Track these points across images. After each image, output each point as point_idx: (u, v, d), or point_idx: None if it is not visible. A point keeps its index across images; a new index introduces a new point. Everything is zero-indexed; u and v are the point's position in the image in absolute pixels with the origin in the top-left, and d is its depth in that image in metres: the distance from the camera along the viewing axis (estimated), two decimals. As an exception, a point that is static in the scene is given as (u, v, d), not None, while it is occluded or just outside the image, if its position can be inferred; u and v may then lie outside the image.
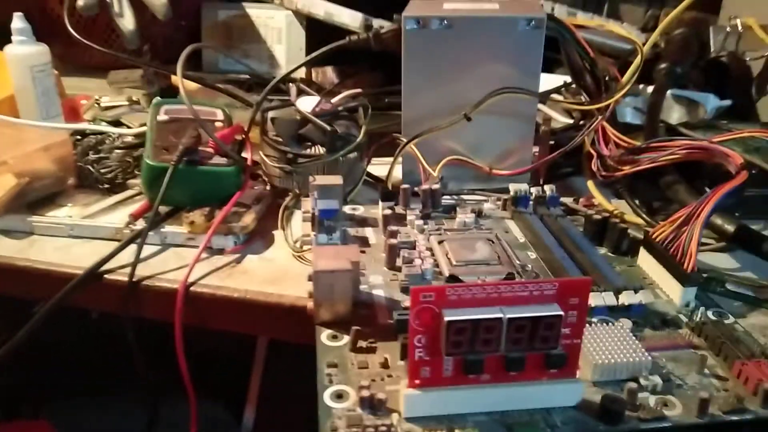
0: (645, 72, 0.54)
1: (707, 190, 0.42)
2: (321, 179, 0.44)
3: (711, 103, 0.62)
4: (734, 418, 0.30)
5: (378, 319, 0.36)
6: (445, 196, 0.50)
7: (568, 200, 0.51)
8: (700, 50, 0.65)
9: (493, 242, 0.44)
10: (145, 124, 0.53)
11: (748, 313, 0.39)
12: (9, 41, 0.58)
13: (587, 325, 0.34)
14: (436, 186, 0.49)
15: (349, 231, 0.46)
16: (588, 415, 0.30)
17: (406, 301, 0.37)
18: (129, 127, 0.60)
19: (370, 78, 0.76)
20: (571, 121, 0.65)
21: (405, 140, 0.51)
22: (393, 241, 0.42)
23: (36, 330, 0.42)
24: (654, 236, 0.41)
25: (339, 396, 0.31)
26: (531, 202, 0.49)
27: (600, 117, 0.52)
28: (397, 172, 0.53)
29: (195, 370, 0.43)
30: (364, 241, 0.45)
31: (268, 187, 0.53)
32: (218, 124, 0.51)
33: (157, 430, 0.49)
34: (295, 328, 0.41)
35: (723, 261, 0.45)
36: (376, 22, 0.71)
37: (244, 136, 0.51)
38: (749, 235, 0.44)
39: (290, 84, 0.56)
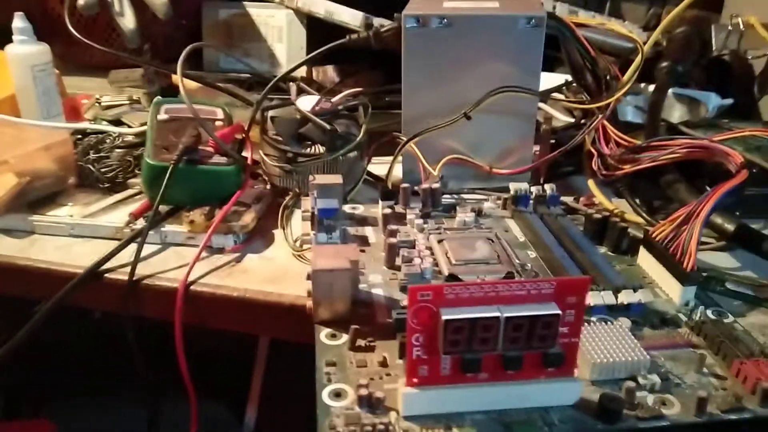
0: (646, 70, 0.54)
1: (708, 189, 0.42)
2: (321, 178, 0.44)
3: (712, 101, 0.62)
4: (733, 417, 0.30)
5: (377, 318, 0.36)
6: (445, 195, 0.50)
7: (568, 199, 0.51)
8: (701, 49, 0.65)
9: (492, 241, 0.44)
10: (145, 124, 0.53)
11: (747, 312, 0.39)
12: (10, 41, 0.58)
13: (586, 324, 0.34)
14: (436, 185, 0.49)
15: (348, 230, 0.46)
16: (586, 413, 0.30)
17: (405, 300, 0.37)
18: (129, 127, 0.60)
19: (370, 77, 0.76)
20: (572, 120, 0.65)
21: (405, 139, 0.51)
22: (392, 240, 0.42)
23: (37, 329, 0.43)
24: (654, 235, 0.41)
25: (337, 394, 0.31)
26: (531, 201, 0.49)
27: (600, 116, 0.52)
28: (397, 171, 0.53)
29: (196, 369, 0.43)
30: (363, 240, 0.45)
31: (268, 187, 0.53)
32: (218, 123, 0.51)
33: (158, 429, 0.49)
34: (295, 327, 0.41)
35: (723, 260, 0.45)
36: (377, 21, 0.71)
37: (244, 135, 0.52)
38: (749, 234, 0.44)
39: (290, 83, 0.56)
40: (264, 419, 0.71)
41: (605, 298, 0.37)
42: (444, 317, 0.27)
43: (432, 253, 0.42)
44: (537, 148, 0.55)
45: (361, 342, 0.34)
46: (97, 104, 0.67)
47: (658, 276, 0.41)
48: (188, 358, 0.42)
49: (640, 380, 0.31)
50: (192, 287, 0.43)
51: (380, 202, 0.48)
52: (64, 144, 0.53)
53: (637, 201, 0.51)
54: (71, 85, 0.70)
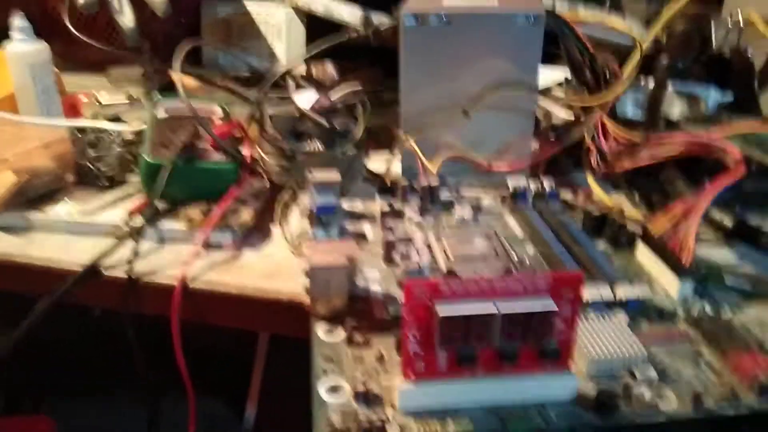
0: (646, 67, 0.54)
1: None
2: (319, 175, 0.44)
3: (712, 97, 0.62)
4: (729, 411, 0.30)
5: (374, 313, 0.36)
6: (443, 192, 0.50)
7: (567, 195, 0.51)
8: (701, 45, 0.65)
9: (491, 237, 0.44)
10: (144, 121, 0.53)
11: (745, 306, 0.39)
12: (9, 40, 0.58)
13: (583, 318, 0.34)
14: (435, 181, 0.49)
15: (346, 226, 0.46)
16: (583, 408, 0.30)
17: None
18: (128, 124, 0.60)
19: (369, 73, 0.76)
20: (571, 117, 0.65)
21: (404, 136, 0.51)
22: (390, 236, 0.42)
23: (36, 327, 0.43)
24: (652, 230, 0.41)
25: (334, 390, 0.31)
26: (530, 198, 0.49)
27: (598, 112, 0.52)
28: (396, 168, 0.53)
29: (195, 367, 0.43)
30: (361, 237, 0.45)
31: (266, 183, 0.53)
32: (217, 121, 0.51)
33: (158, 427, 0.49)
34: (294, 323, 0.41)
35: (721, 255, 0.45)
36: (376, 18, 0.71)
37: (242, 132, 0.52)
38: (747, 229, 0.43)
39: (289, 80, 0.56)
40: (264, 415, 0.71)
41: (603, 293, 0.37)
42: (440, 313, 0.27)
43: (430, 250, 0.42)
44: (536, 144, 0.55)
45: (358, 337, 0.34)
46: (96, 102, 0.67)
47: (656, 271, 0.41)
48: (187, 355, 0.42)
49: (637, 375, 0.31)
50: (190, 284, 0.43)
51: (378, 198, 0.48)
52: (62, 142, 0.53)
53: (636, 197, 0.51)
54: (70, 83, 0.70)
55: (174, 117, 0.51)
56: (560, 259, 0.41)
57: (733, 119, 0.61)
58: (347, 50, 0.58)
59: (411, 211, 0.47)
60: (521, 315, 0.28)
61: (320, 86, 0.60)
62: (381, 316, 0.36)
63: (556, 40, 0.54)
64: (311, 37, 0.79)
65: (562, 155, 0.56)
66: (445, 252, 0.41)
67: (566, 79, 0.62)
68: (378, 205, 0.48)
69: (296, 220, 0.49)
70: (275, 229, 0.49)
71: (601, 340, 0.32)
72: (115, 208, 0.50)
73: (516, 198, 0.49)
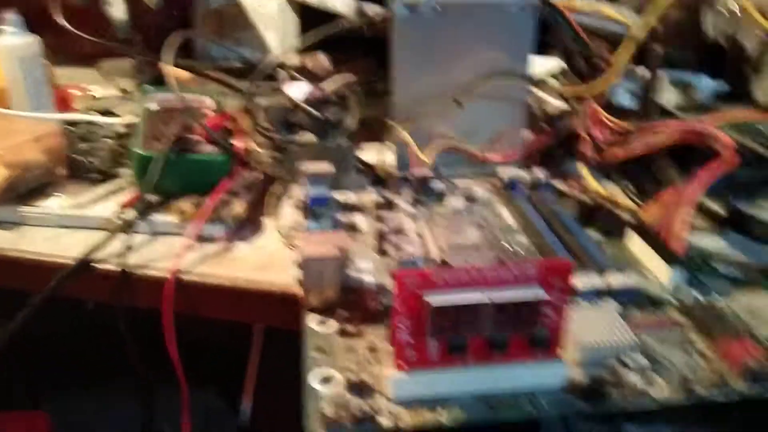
0: (639, 55, 0.54)
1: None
2: (311, 166, 0.44)
3: (706, 85, 0.62)
4: (719, 397, 0.30)
5: (367, 304, 0.36)
6: (436, 182, 0.50)
7: (559, 184, 0.50)
8: (695, 33, 0.65)
9: (483, 227, 0.44)
10: (136, 114, 0.53)
11: (736, 294, 0.39)
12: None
13: (574, 306, 0.34)
14: (428, 172, 0.49)
15: (339, 217, 0.46)
16: (573, 395, 0.30)
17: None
18: (120, 117, 0.60)
19: (363, 64, 0.76)
20: (565, 105, 0.65)
21: (396, 126, 0.51)
22: (383, 227, 0.42)
23: (30, 321, 0.43)
24: (643, 218, 0.41)
25: (326, 380, 0.31)
26: (523, 188, 0.49)
27: (590, 101, 0.51)
28: (389, 159, 0.53)
29: (189, 359, 0.43)
30: (354, 228, 0.45)
31: (259, 175, 0.53)
32: (208, 113, 0.51)
33: (152, 419, 0.49)
34: (287, 314, 0.41)
35: (713, 243, 0.45)
36: (369, 8, 0.70)
37: (235, 124, 0.51)
38: (740, 218, 0.44)
39: (281, 71, 0.56)
40: (259, 407, 0.71)
41: (594, 281, 0.37)
42: (430, 302, 0.27)
43: (422, 240, 0.42)
44: (529, 134, 0.55)
45: (350, 328, 0.34)
46: (87, 95, 0.67)
47: (648, 258, 0.41)
48: (181, 348, 0.42)
49: (628, 362, 0.32)
50: (182, 276, 0.43)
51: (371, 188, 0.48)
52: (53, 135, 0.53)
53: (629, 185, 0.50)
54: (61, 76, 0.69)
55: (166, 109, 0.50)
56: (552, 249, 0.41)
57: (727, 108, 0.61)
58: (340, 41, 0.57)
59: (404, 201, 0.47)
60: (511, 304, 0.28)
61: (313, 77, 0.60)
62: (373, 307, 0.36)
63: (549, 30, 0.53)
64: (304, 28, 0.79)
65: (555, 145, 0.55)
66: (437, 242, 0.41)
67: (561, 69, 0.62)
68: (371, 196, 0.48)
69: (289, 212, 0.49)
70: (268, 221, 0.49)
71: (591, 327, 0.32)
72: (107, 202, 0.50)
73: (509, 188, 0.49)
